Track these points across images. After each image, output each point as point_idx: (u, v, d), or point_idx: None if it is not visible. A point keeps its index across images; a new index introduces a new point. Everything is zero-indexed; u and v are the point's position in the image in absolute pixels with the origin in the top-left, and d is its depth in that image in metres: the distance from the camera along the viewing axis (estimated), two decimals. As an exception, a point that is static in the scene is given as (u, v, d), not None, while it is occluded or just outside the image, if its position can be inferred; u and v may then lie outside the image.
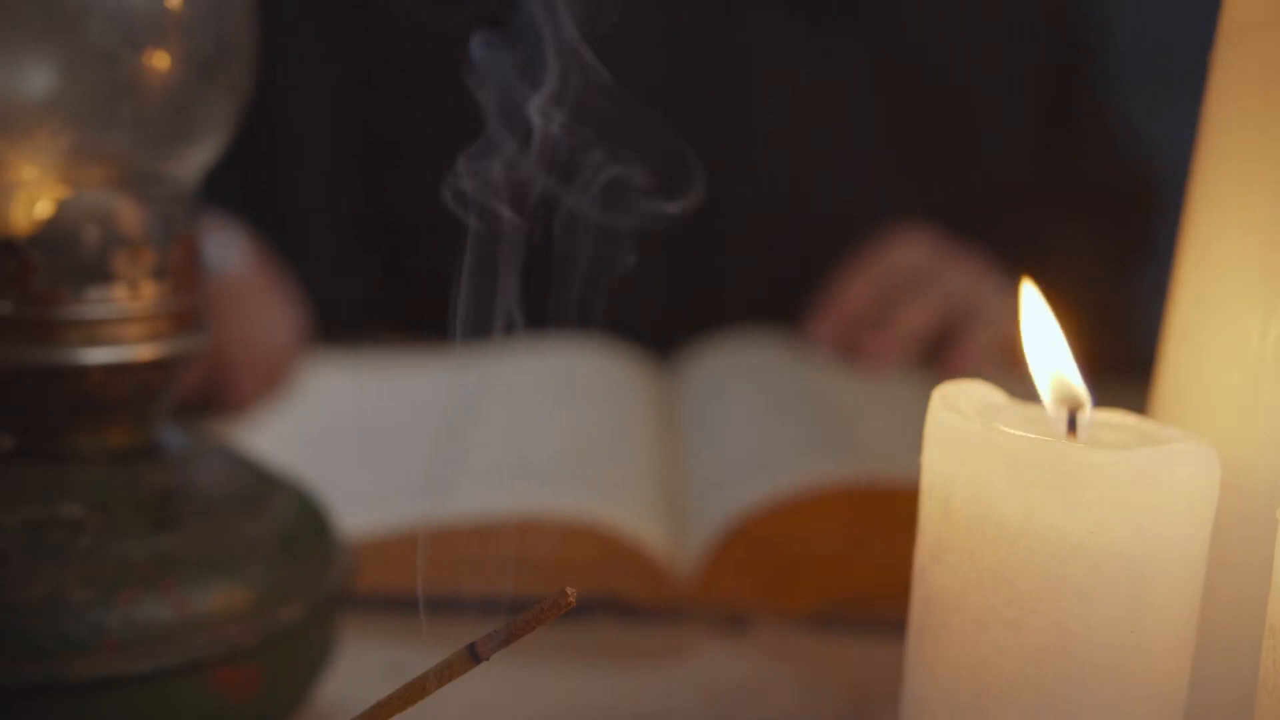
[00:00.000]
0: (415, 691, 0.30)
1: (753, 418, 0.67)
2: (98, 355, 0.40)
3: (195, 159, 0.43)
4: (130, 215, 0.40)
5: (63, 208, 0.40)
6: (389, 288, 0.92)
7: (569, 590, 0.29)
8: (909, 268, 0.78)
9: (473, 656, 0.30)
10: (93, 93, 0.39)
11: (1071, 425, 0.36)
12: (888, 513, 0.52)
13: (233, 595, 0.40)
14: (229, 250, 0.70)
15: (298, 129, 0.90)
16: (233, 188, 0.59)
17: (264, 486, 0.44)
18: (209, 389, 0.67)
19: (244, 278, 0.71)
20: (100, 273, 0.40)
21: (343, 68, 0.91)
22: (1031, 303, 0.38)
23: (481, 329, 0.35)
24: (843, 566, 0.55)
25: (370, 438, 0.67)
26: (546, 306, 0.36)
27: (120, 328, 0.40)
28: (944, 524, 0.35)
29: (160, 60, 0.40)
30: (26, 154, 0.40)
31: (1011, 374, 0.40)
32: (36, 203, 0.40)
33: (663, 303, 0.86)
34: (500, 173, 0.35)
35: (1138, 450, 0.33)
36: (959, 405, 0.36)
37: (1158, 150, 0.97)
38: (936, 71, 0.93)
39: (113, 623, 0.38)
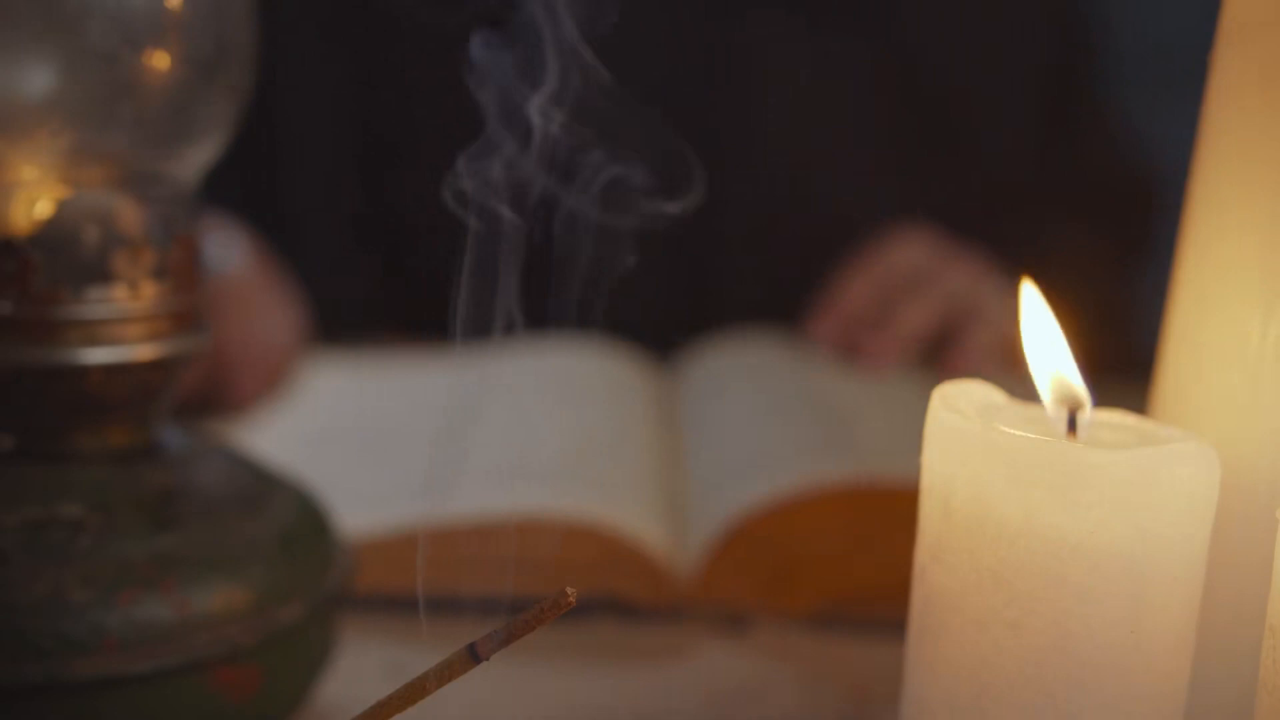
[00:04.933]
0: (415, 691, 0.30)
1: (753, 418, 0.67)
2: (98, 355, 0.40)
3: (195, 159, 0.43)
4: (130, 215, 0.40)
5: (63, 208, 0.40)
6: (389, 288, 0.92)
7: (569, 590, 0.29)
8: (909, 268, 0.78)
9: (473, 656, 0.30)
10: (93, 93, 0.39)
11: (1071, 425, 0.36)
12: (888, 513, 0.52)
13: (233, 595, 0.40)
14: (229, 250, 0.70)
15: (298, 129, 0.90)
16: (233, 188, 0.59)
17: (264, 486, 0.44)
18: (209, 389, 0.67)
19: (244, 278, 0.71)
20: (100, 273, 0.40)
21: (343, 68, 0.91)
22: (1031, 303, 0.38)
23: (481, 329, 0.35)
24: (843, 566, 0.55)
25: (370, 438, 0.67)
26: (546, 306, 0.36)
27: (120, 328, 0.40)
28: (944, 524, 0.35)
29: (160, 60, 0.40)
30: (26, 154, 0.40)
31: (1011, 374, 0.40)
32: (36, 203, 0.40)
33: (663, 303, 0.86)
34: (500, 173, 0.35)
35: (1138, 450, 0.33)
36: (959, 405, 0.36)
37: (1158, 150, 0.97)
38: (936, 71, 0.93)
39: (113, 623, 0.38)
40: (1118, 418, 0.37)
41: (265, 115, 0.51)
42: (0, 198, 0.39)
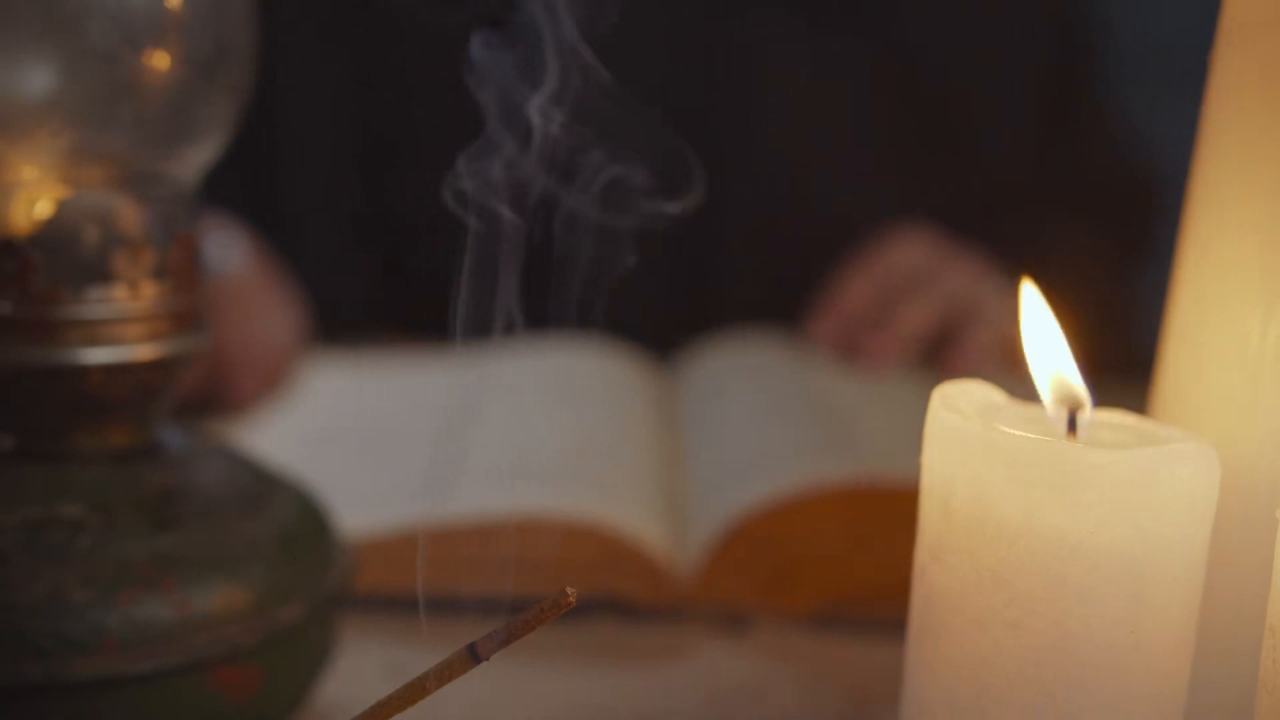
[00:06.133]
0: (415, 691, 0.30)
1: (753, 418, 0.67)
2: (98, 355, 0.40)
3: (195, 159, 0.43)
4: (130, 215, 0.40)
5: (63, 208, 0.40)
6: (389, 288, 0.92)
7: (569, 590, 0.29)
8: (909, 268, 0.78)
9: (473, 656, 0.30)
10: (93, 93, 0.39)
11: (1071, 425, 0.36)
12: (888, 513, 0.52)
13: (233, 595, 0.40)
14: (229, 250, 0.70)
15: (298, 129, 0.90)
16: (233, 188, 0.59)
17: (264, 486, 0.44)
18: (209, 389, 0.67)
19: (244, 278, 0.71)
20: (100, 273, 0.40)
21: (343, 68, 0.91)
22: (1031, 303, 0.38)
23: (481, 329, 0.35)
24: (843, 566, 0.55)
25: (370, 438, 0.67)
26: (546, 306, 0.36)
27: (120, 328, 0.40)
28: (944, 524, 0.35)
29: (160, 60, 0.40)
30: (26, 154, 0.40)
31: (1011, 374, 0.40)
32: (36, 203, 0.40)
33: (663, 303, 0.86)
34: (500, 173, 0.35)
35: (1138, 450, 0.33)
36: (959, 405, 0.36)
37: (1158, 150, 0.98)
38: (936, 71, 0.93)
39: (113, 623, 0.38)
40: (1118, 418, 0.37)
41: (265, 115, 0.51)
42: (0, 198, 0.39)
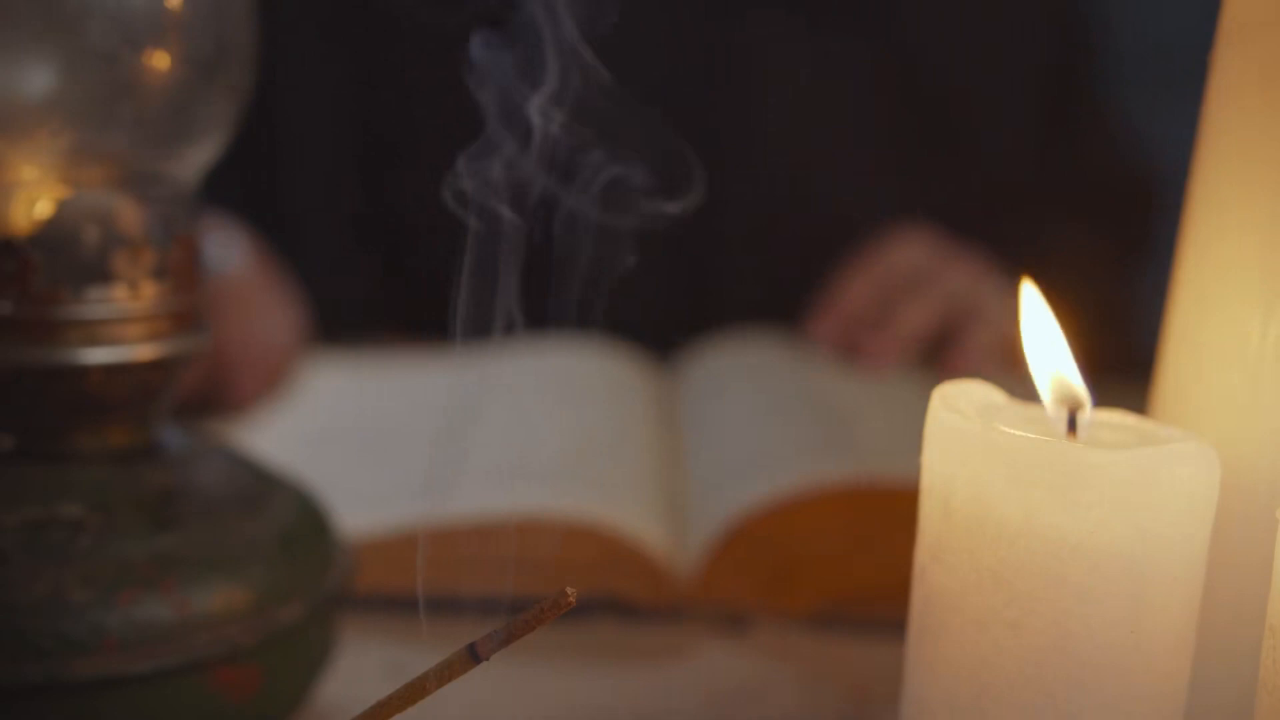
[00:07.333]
0: (415, 691, 0.30)
1: (753, 418, 0.67)
2: (98, 355, 0.40)
3: (195, 159, 0.43)
4: (130, 215, 0.40)
5: (63, 208, 0.40)
6: (389, 288, 0.92)
7: (569, 590, 0.29)
8: (909, 268, 0.78)
9: (473, 656, 0.30)
10: (93, 93, 0.39)
11: (1071, 425, 0.36)
12: (888, 513, 0.52)
13: (233, 595, 0.40)
14: (229, 250, 0.70)
15: (298, 129, 0.90)
16: (233, 188, 0.59)
17: (264, 486, 0.44)
18: (209, 389, 0.67)
19: (244, 278, 0.71)
20: (100, 273, 0.40)
21: (343, 68, 0.91)
22: (1031, 303, 0.38)
23: (481, 329, 0.35)
24: (843, 566, 0.55)
25: (370, 438, 0.67)
26: (546, 306, 0.36)
27: (120, 328, 0.40)
28: (944, 524, 0.35)
29: (160, 60, 0.40)
30: (26, 154, 0.40)
31: (1011, 374, 0.40)
32: (36, 203, 0.40)
33: (663, 303, 0.86)
34: (500, 173, 0.35)
35: (1138, 450, 0.33)
36: (959, 405, 0.36)
37: (1158, 150, 0.98)
38: (936, 71, 0.93)
39: (113, 623, 0.38)
40: (1118, 418, 0.37)
41: (265, 115, 0.51)
42: (0, 198, 0.39)
